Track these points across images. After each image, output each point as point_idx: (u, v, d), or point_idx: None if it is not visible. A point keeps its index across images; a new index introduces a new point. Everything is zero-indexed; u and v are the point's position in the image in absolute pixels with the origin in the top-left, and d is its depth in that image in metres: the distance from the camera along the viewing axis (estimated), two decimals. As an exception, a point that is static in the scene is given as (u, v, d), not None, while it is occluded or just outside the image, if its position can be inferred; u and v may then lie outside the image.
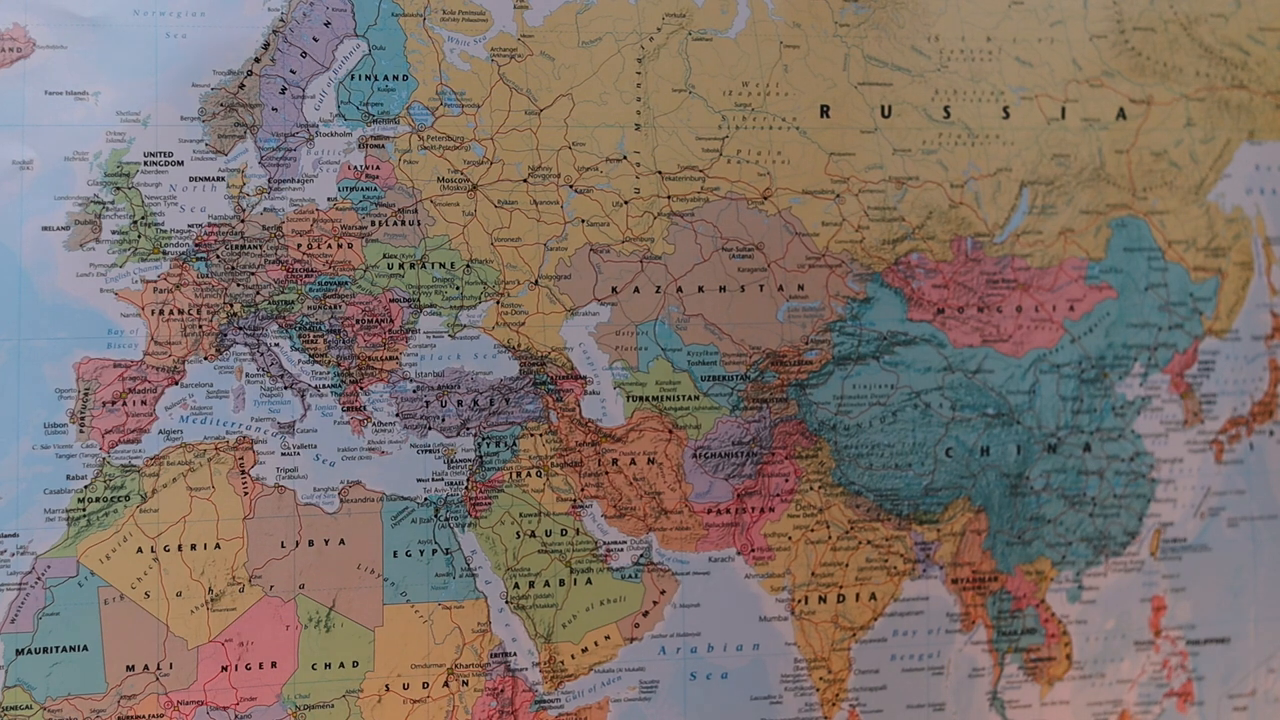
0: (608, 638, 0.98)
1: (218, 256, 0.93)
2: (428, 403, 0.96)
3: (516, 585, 0.97)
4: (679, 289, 0.99)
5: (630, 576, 0.98)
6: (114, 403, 0.91)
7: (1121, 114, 1.07)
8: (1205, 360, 1.08)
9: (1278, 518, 1.09)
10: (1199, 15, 1.08)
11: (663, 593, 0.99)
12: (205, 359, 0.93)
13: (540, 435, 0.97)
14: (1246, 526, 1.09)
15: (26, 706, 0.90)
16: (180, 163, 0.93)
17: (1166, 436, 1.07)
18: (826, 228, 1.01)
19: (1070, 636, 1.06)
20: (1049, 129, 1.05)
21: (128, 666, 0.91)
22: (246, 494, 0.93)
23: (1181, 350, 1.07)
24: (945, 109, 1.04)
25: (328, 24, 0.95)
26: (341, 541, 0.94)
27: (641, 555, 0.99)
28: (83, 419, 0.91)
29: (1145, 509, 1.07)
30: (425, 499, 0.95)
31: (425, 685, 0.96)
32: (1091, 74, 1.06)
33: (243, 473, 0.93)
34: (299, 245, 0.94)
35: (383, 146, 0.95)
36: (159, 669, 0.92)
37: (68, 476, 0.91)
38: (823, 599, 1.01)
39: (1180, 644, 1.08)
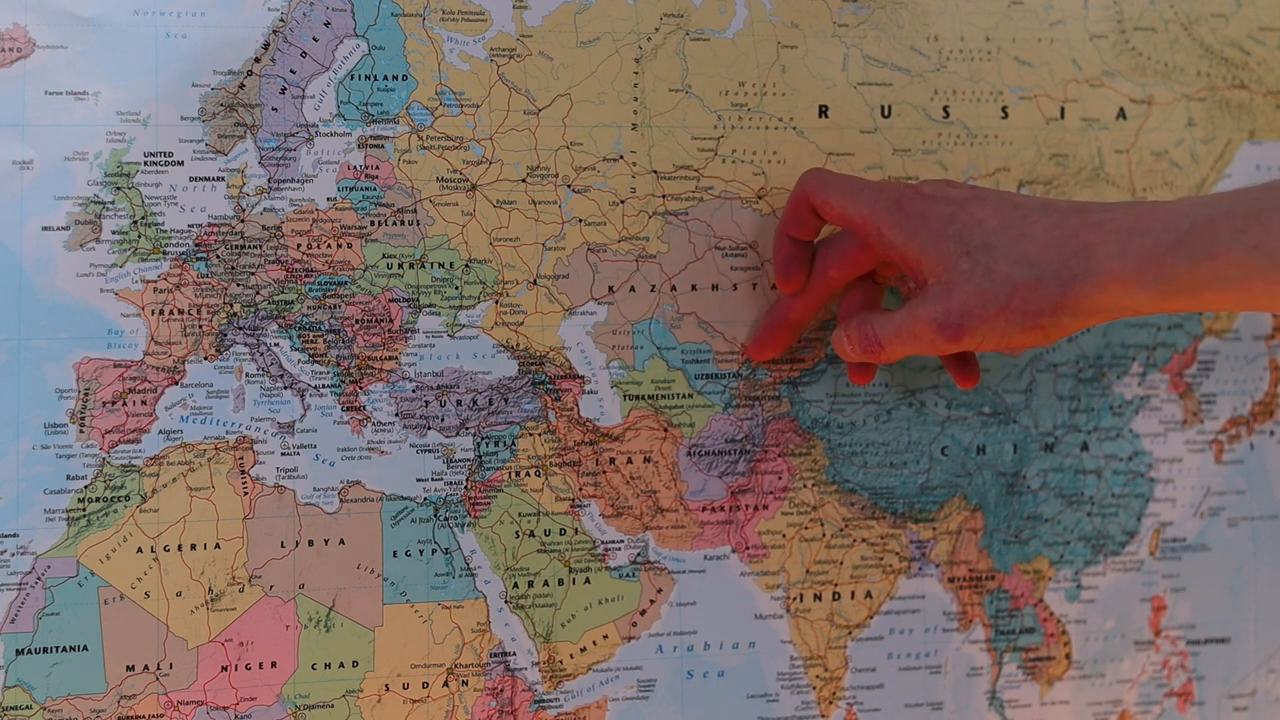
0: (606, 637, 0.98)
1: (218, 256, 0.93)
2: (427, 402, 0.96)
3: (515, 585, 0.97)
4: (673, 287, 0.99)
5: (628, 575, 0.98)
6: (114, 403, 0.92)
7: (1122, 114, 1.07)
8: (1205, 360, 1.08)
9: (1278, 518, 1.09)
10: (1199, 15, 1.08)
11: (659, 591, 0.99)
12: (205, 359, 0.93)
13: (539, 435, 0.97)
14: (1246, 526, 1.08)
15: (26, 706, 0.90)
16: (180, 163, 0.93)
17: (1165, 436, 1.07)
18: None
19: (1069, 636, 1.05)
20: (1048, 129, 1.05)
21: (128, 666, 0.91)
22: (246, 494, 0.93)
23: (1181, 350, 1.07)
24: (944, 109, 1.04)
25: (328, 24, 0.95)
26: (341, 541, 0.94)
27: (638, 554, 0.99)
28: (83, 419, 0.91)
29: (1144, 508, 1.06)
30: (425, 499, 0.96)
31: (425, 685, 0.96)
32: (1091, 74, 1.06)
33: (243, 473, 0.93)
34: (299, 245, 0.94)
35: (382, 146, 0.96)
36: (159, 669, 0.92)
37: (68, 476, 0.91)
38: (818, 597, 1.01)
39: (1180, 644, 1.07)
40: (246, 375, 0.93)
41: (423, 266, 0.96)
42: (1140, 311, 0.86)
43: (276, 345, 0.94)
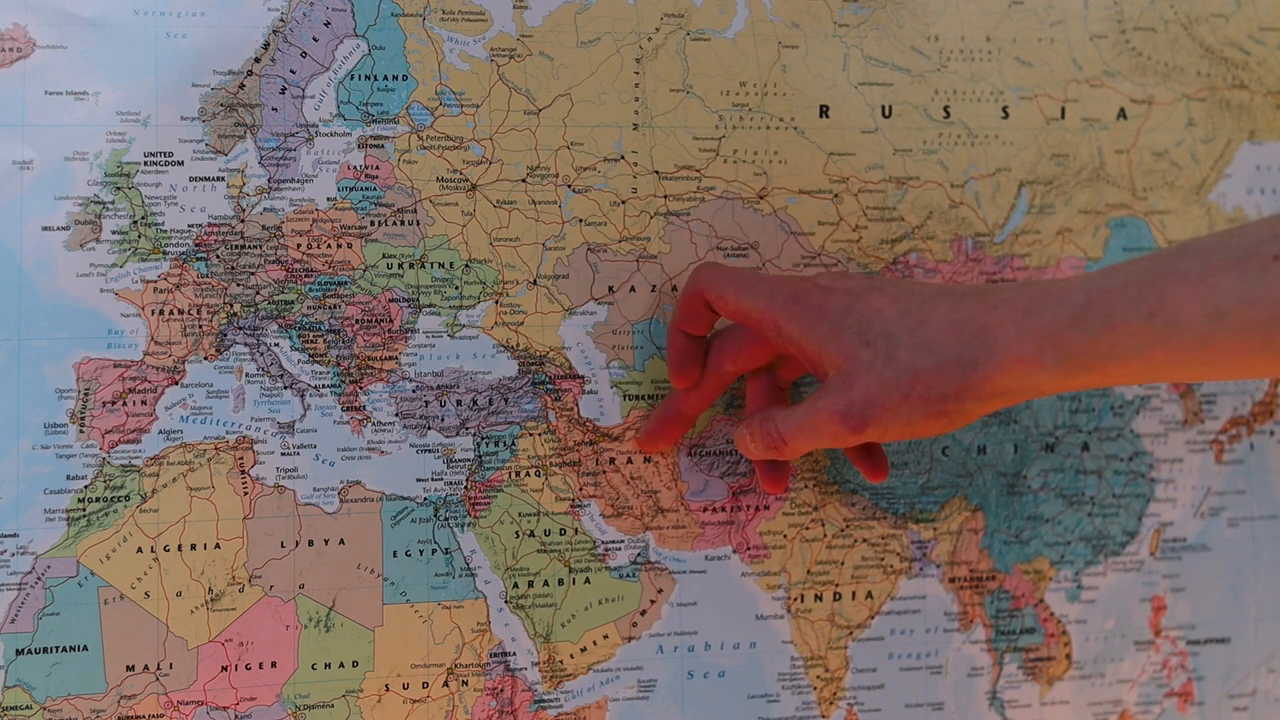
0: (606, 637, 0.98)
1: (218, 256, 0.93)
2: (427, 402, 0.96)
3: (515, 585, 0.97)
4: (674, 288, 0.99)
5: (628, 575, 0.98)
6: (114, 403, 0.91)
7: (1122, 114, 1.07)
8: (1205, 360, 1.08)
9: (1278, 518, 1.09)
10: (1199, 15, 1.08)
11: (660, 591, 0.99)
12: (205, 359, 0.93)
13: (539, 435, 0.97)
14: (1246, 526, 1.08)
15: (26, 706, 0.90)
16: (180, 163, 0.93)
17: (1166, 436, 1.07)
18: (823, 227, 1.02)
19: (1070, 636, 1.06)
20: (1048, 129, 1.05)
21: (128, 666, 0.91)
22: (246, 494, 0.93)
23: (1181, 350, 1.07)
24: (945, 109, 1.04)
25: (328, 24, 0.95)
26: (341, 541, 0.94)
27: (639, 554, 0.99)
28: (83, 419, 0.91)
29: (1144, 509, 1.06)
30: (425, 499, 0.96)
31: (425, 685, 0.96)
32: (1091, 74, 1.06)
33: (243, 473, 0.93)
34: (299, 245, 0.94)
35: (382, 146, 0.96)
36: (159, 669, 0.92)
37: (68, 476, 0.91)
38: (819, 597, 1.01)
39: (1180, 644, 1.07)
40: (246, 375, 0.93)
41: (423, 266, 0.96)
42: (1044, 391, 0.85)
43: (276, 345, 0.94)
